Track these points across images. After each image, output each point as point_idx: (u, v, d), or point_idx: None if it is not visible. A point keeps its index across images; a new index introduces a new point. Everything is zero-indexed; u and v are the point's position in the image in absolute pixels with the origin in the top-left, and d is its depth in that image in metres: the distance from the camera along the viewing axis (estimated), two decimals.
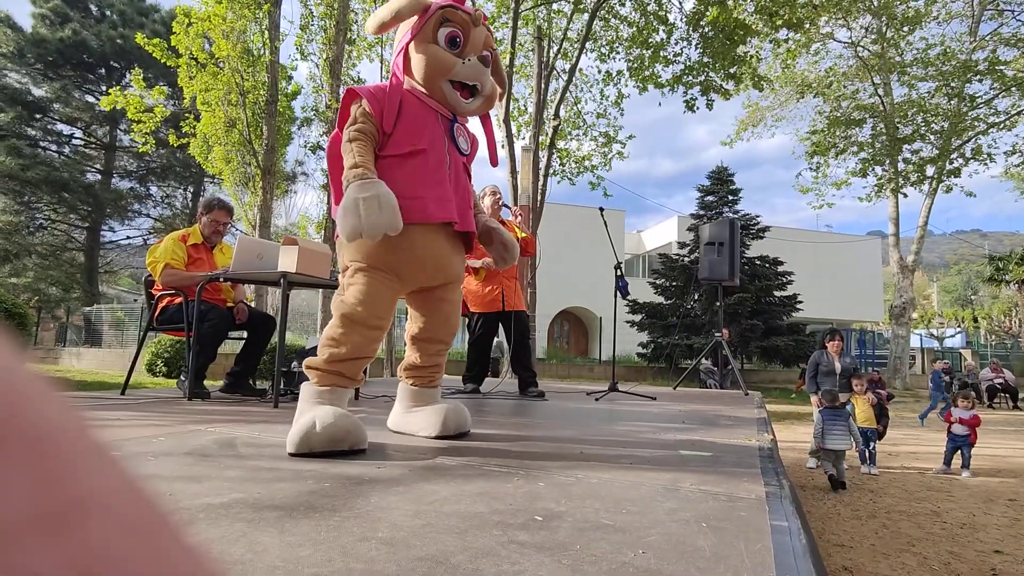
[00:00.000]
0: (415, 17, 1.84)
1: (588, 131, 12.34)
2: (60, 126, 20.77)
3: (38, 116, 19.86)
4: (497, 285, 4.00)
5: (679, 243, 17.71)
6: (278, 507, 1.08)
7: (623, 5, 10.79)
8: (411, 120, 1.84)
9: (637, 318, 16.26)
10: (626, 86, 11.68)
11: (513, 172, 9.91)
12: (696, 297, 15.65)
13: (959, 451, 5.14)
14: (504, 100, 10.10)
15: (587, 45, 10.88)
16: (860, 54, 15.22)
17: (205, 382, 3.42)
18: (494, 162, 2.10)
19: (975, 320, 26.19)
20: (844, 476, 4.41)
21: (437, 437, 1.92)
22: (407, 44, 1.87)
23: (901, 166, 15.28)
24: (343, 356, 1.74)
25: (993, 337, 25.29)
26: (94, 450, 0.16)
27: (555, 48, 11.04)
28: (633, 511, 1.12)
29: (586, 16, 10.47)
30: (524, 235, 4.11)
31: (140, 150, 10.15)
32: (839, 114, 15.84)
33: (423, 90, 1.89)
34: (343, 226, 1.61)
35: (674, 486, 1.33)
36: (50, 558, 0.13)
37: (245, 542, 0.89)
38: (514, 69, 10.54)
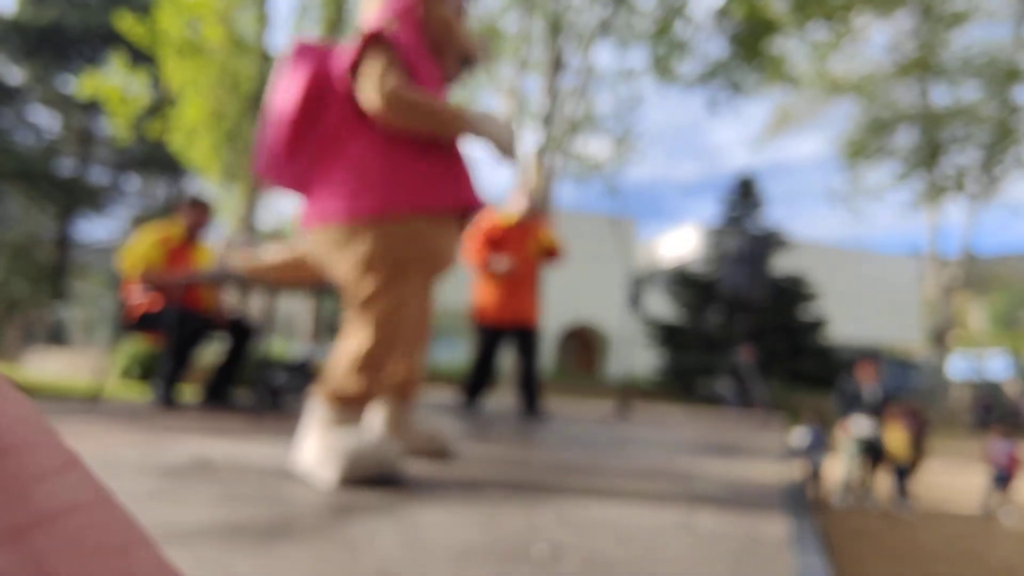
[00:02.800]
0: None
1: (601, 131, 12.39)
2: (36, 113, 20.99)
3: (12, 103, 20.08)
4: (518, 295, 3.91)
5: (699, 256, 17.73)
6: (256, 531, 1.08)
7: None
8: (425, 83, 1.71)
9: (651, 335, 16.23)
10: (645, 84, 11.78)
11: (518, 173, 9.95)
12: (717, 314, 15.62)
13: (1000, 488, 5.10)
14: (513, 96, 10.16)
15: (604, 40, 10.95)
16: (898, 56, 15.27)
17: (181, 391, 3.42)
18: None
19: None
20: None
21: (421, 456, 1.89)
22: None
23: (940, 175, 15.29)
24: (379, 380, 1.63)
25: None
26: (64, 462, 0.16)
27: (569, 43, 11.12)
28: (644, 547, 1.11)
29: (603, 9, 10.55)
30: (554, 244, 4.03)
31: (118, 144, 10.24)
32: (874, 117, 15.89)
33: (432, 47, 1.80)
34: (511, 145, 1.67)
35: (689, 521, 1.32)
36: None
37: (219, 567, 0.88)
38: (525, 64, 10.62)
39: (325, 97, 1.68)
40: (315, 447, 1.55)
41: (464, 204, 1.70)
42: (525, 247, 3.94)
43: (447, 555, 1.00)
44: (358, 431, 1.59)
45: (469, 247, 3.92)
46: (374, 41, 1.62)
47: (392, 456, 1.54)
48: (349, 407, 1.61)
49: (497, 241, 3.90)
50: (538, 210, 4.10)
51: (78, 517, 0.15)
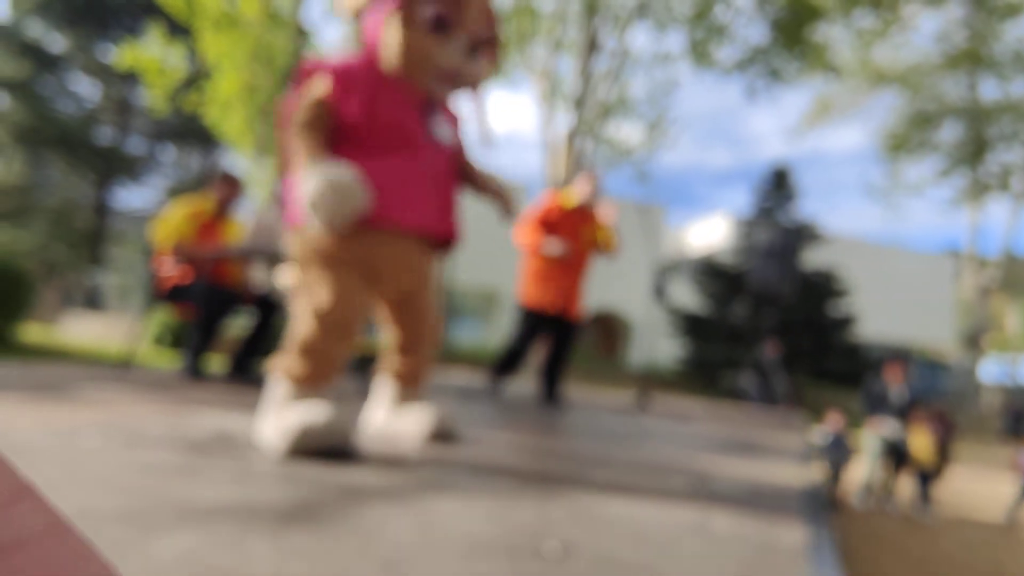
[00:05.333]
0: None
1: (634, 116, 12.20)
2: (77, 82, 21.42)
3: (55, 71, 20.51)
4: (565, 281, 3.80)
5: (728, 247, 17.44)
6: (273, 513, 1.09)
7: None
8: (382, 107, 1.76)
9: (675, 324, 16.08)
10: (681, 69, 11.58)
11: (547, 157, 9.86)
12: (743, 307, 15.40)
13: None
14: (546, 77, 10.03)
15: (641, 23, 10.74)
16: (947, 47, 14.70)
17: (208, 363, 3.50)
18: (485, 143, 2.02)
19: None
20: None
21: (427, 439, 1.93)
22: (383, 18, 1.79)
23: (985, 172, 14.77)
24: (325, 363, 1.71)
25: None
26: (14, 492, 0.16)
27: (605, 24, 10.92)
28: (656, 548, 1.10)
29: None
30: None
31: (155, 115, 10.40)
32: (918, 110, 15.36)
33: (398, 73, 1.79)
34: (320, 221, 1.61)
35: (703, 524, 1.31)
36: None
37: (235, 548, 0.90)
38: (559, 44, 10.46)
39: None
40: (272, 421, 1.67)
41: (404, 226, 1.77)
42: (579, 234, 3.83)
43: (457, 547, 1.00)
44: (311, 405, 1.65)
45: (523, 227, 3.85)
46: (309, 74, 1.79)
47: (343, 430, 1.60)
48: (302, 386, 1.72)
49: (553, 224, 3.82)
50: (601, 198, 3.90)
51: (28, 550, 0.15)
